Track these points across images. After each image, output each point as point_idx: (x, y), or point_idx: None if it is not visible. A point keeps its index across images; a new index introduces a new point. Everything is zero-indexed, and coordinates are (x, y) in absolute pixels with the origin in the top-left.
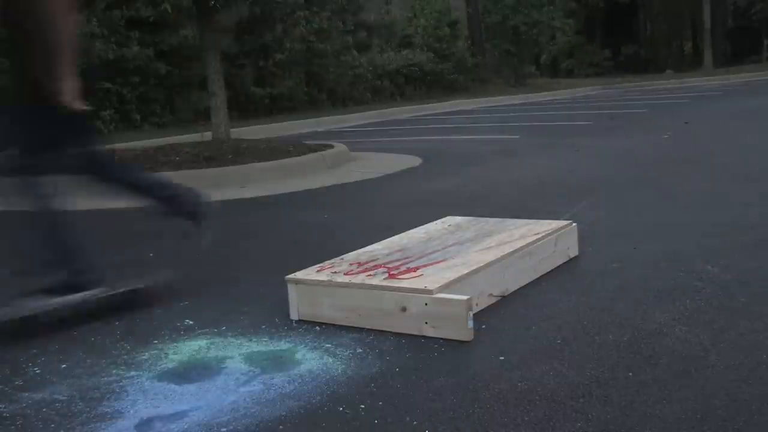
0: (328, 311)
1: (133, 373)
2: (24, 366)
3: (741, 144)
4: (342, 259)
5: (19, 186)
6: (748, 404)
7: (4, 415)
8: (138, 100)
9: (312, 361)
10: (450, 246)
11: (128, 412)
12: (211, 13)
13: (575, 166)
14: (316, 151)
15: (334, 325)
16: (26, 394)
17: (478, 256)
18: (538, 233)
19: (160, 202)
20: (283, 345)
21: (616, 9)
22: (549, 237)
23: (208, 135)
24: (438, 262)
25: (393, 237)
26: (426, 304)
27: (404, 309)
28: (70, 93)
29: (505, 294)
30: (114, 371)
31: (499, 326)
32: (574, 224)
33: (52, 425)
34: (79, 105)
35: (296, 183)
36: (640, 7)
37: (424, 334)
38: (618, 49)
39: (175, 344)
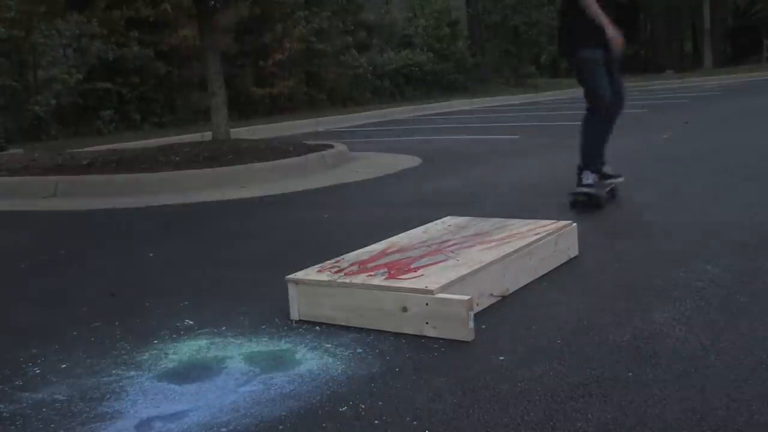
0: (328, 311)
1: (133, 373)
2: (24, 366)
3: (741, 144)
4: (342, 259)
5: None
6: (748, 404)
7: (4, 415)
8: (138, 100)
9: (312, 361)
10: (450, 246)
11: (128, 412)
12: (211, 13)
13: (575, 166)
14: (316, 151)
15: (334, 325)
16: (26, 394)
17: (478, 256)
18: (538, 233)
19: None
20: (283, 345)
21: (616, 9)
22: (549, 237)
23: (208, 135)
24: (438, 262)
25: (393, 237)
26: (427, 304)
27: (405, 309)
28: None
29: (506, 294)
30: (114, 371)
31: (499, 326)
32: (574, 224)
33: (52, 425)
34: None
35: (296, 183)
36: (640, 7)
37: (425, 334)
38: None
39: (175, 344)
